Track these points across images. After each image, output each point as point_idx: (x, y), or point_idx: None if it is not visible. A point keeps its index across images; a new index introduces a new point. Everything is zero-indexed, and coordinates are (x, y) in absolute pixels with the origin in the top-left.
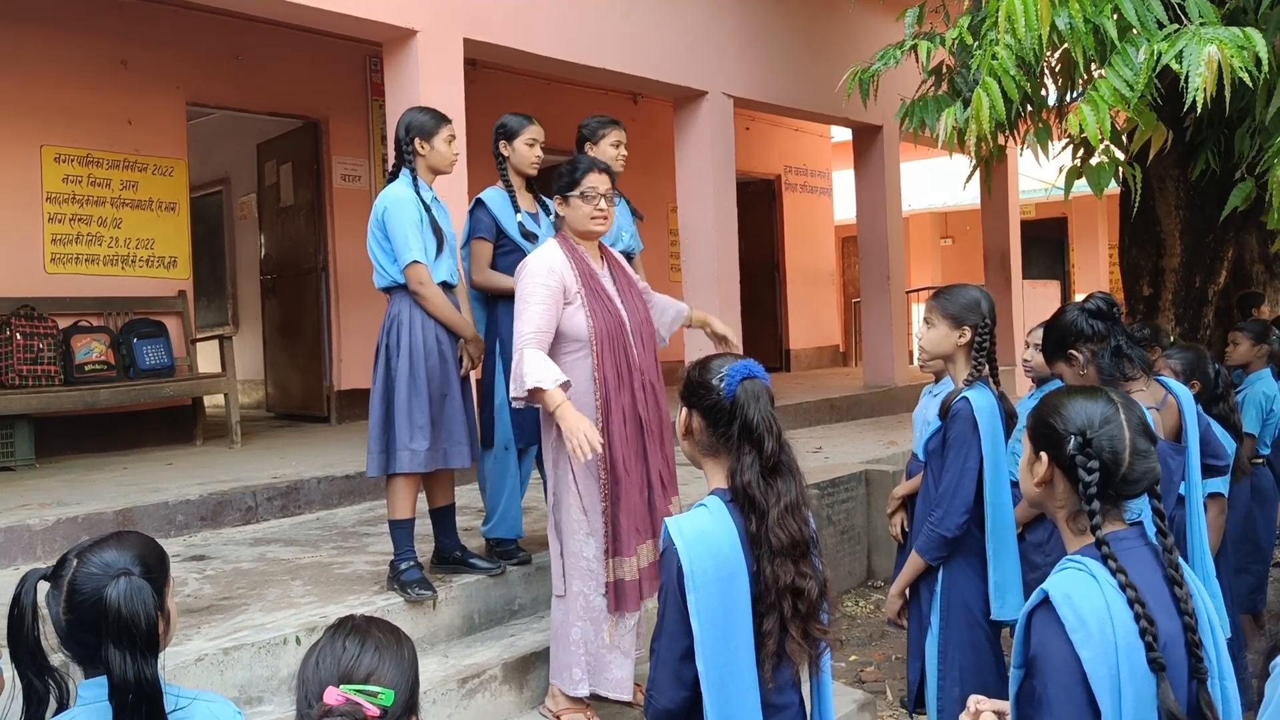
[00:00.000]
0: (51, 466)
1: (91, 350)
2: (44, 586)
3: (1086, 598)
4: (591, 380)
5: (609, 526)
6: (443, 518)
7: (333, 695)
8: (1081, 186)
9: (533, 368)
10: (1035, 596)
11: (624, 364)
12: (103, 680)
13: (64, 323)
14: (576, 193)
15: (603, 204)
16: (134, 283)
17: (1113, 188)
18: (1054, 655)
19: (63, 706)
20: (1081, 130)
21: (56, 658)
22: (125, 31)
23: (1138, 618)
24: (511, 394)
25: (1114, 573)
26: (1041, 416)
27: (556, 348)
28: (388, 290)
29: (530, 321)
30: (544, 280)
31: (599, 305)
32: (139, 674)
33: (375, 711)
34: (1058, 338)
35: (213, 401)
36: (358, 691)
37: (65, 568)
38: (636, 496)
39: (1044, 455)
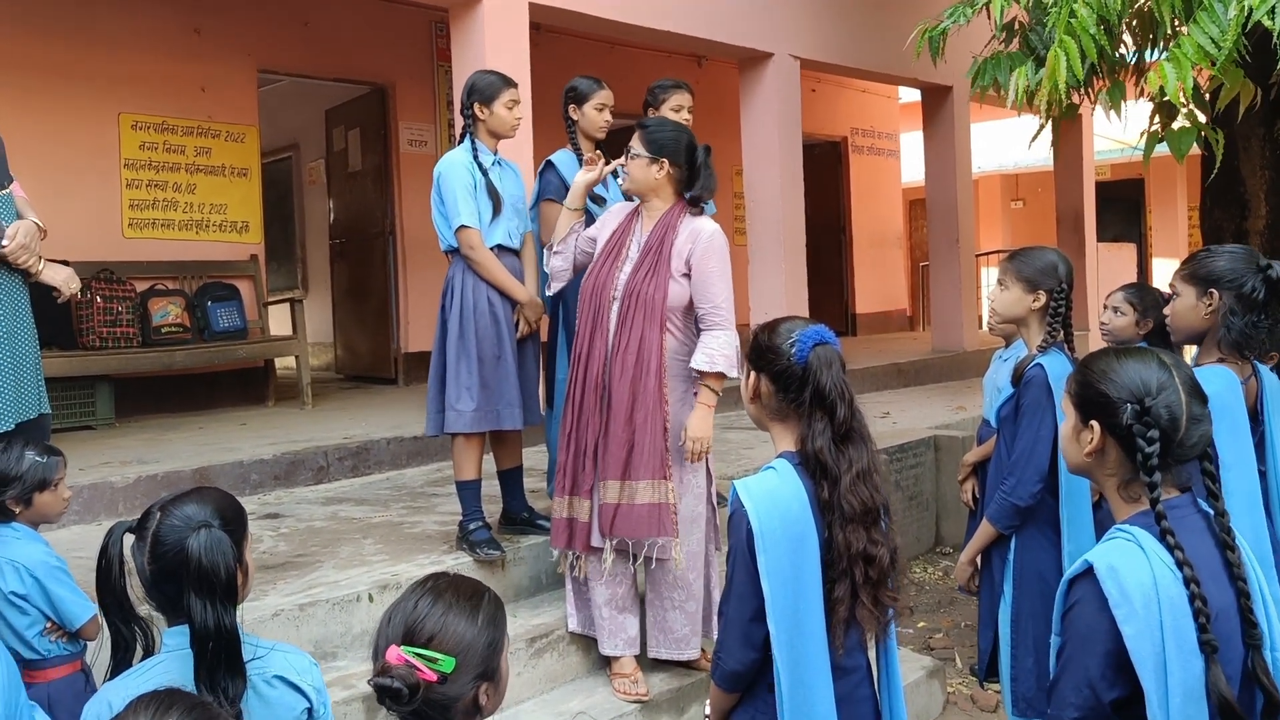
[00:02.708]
0: (131, 425)
1: (168, 313)
2: (129, 539)
3: (1132, 571)
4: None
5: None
6: (510, 479)
7: (393, 654)
8: (1162, 149)
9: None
10: (1078, 565)
11: (595, 324)
12: (185, 629)
13: (141, 286)
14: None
15: (622, 160)
16: (208, 247)
17: (1194, 148)
18: (1077, 621)
19: (148, 653)
20: (1163, 91)
21: (144, 608)
22: None
23: (1192, 598)
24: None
25: (1171, 549)
26: (1089, 382)
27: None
28: (450, 254)
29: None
30: (602, 218)
31: (598, 263)
32: (219, 622)
33: (431, 677)
34: (1211, 271)
35: (284, 363)
36: (417, 655)
37: (149, 520)
38: (568, 451)
39: (1095, 424)
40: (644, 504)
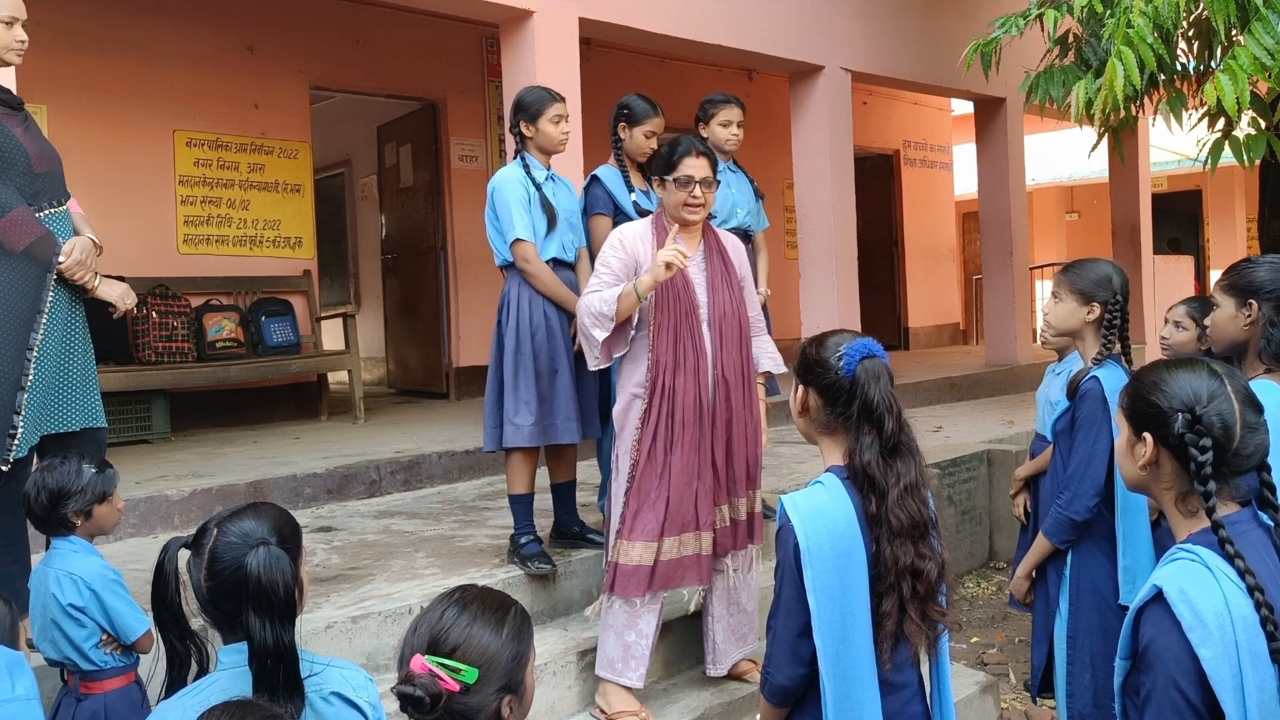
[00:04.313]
0: (186, 439)
1: (222, 328)
2: (185, 554)
3: (1203, 593)
4: (646, 360)
5: (625, 505)
6: (563, 493)
7: (417, 663)
8: (1226, 158)
9: (599, 302)
10: (1146, 591)
11: (687, 349)
12: (242, 646)
13: (196, 301)
14: (671, 177)
15: (698, 191)
16: (261, 263)
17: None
18: (1166, 653)
19: (203, 670)
20: (1220, 103)
21: (196, 622)
22: (252, 17)
23: (1258, 606)
24: (592, 357)
25: (1231, 558)
26: (1140, 394)
27: (622, 327)
28: (505, 269)
29: (594, 286)
30: (615, 253)
31: (668, 286)
32: (278, 640)
33: (454, 686)
34: (1251, 282)
35: (336, 378)
36: (441, 664)
37: (206, 537)
38: (682, 486)
39: (1148, 436)
40: (761, 510)
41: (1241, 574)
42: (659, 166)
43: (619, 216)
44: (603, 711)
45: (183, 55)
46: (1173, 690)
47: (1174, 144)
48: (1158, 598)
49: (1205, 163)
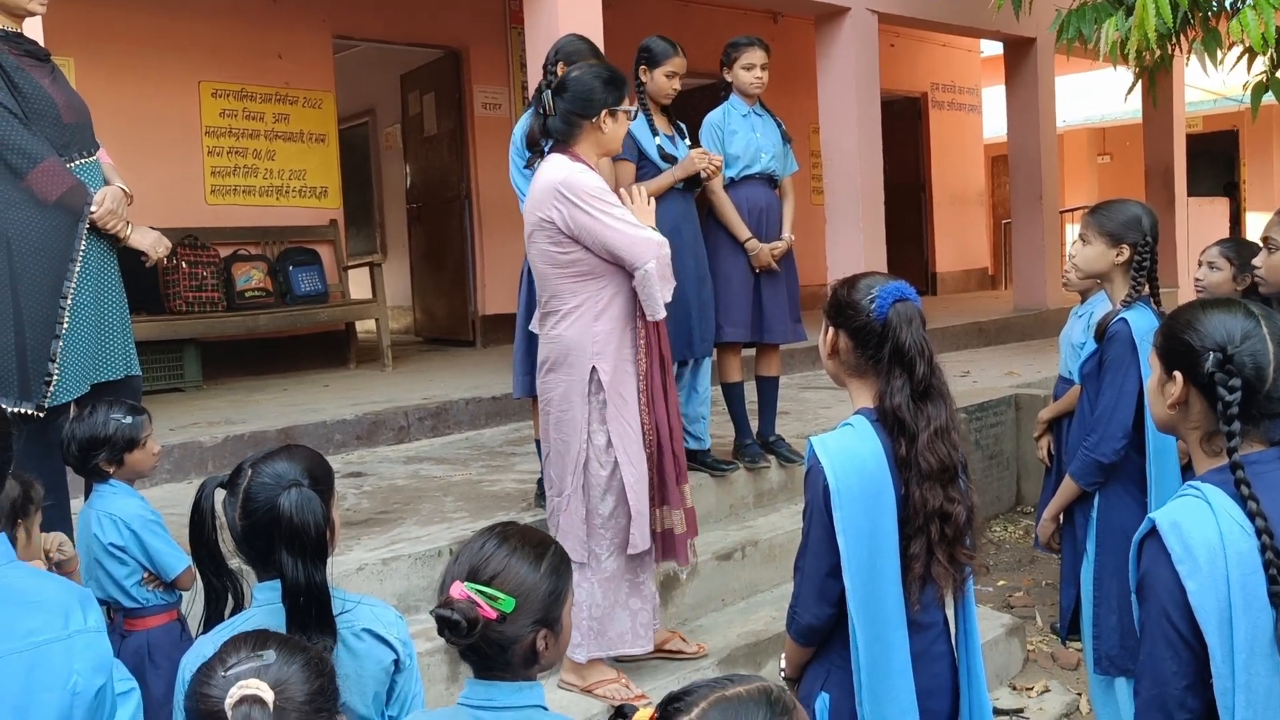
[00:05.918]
0: (217, 387)
1: (251, 277)
2: (221, 494)
3: (1196, 526)
4: (632, 315)
5: (656, 475)
6: None
7: (457, 589)
8: (1268, 99)
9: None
10: (1144, 525)
11: None
12: (275, 584)
13: (225, 251)
14: (624, 109)
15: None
16: (288, 212)
17: None
18: (1159, 584)
19: (239, 606)
20: (1245, 37)
21: (234, 561)
22: None
23: (1264, 549)
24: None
25: (1244, 500)
26: (1173, 333)
27: (589, 283)
28: None
29: (634, 225)
30: (609, 195)
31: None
32: (309, 578)
33: (491, 614)
34: None
35: (364, 326)
36: (479, 591)
37: (240, 477)
38: (669, 442)
39: (1178, 375)
40: None
41: (1252, 515)
42: (609, 99)
43: (643, 162)
44: (574, 685)
45: (206, 5)
46: (1164, 621)
47: (1210, 84)
48: (1153, 531)
49: (1246, 103)
